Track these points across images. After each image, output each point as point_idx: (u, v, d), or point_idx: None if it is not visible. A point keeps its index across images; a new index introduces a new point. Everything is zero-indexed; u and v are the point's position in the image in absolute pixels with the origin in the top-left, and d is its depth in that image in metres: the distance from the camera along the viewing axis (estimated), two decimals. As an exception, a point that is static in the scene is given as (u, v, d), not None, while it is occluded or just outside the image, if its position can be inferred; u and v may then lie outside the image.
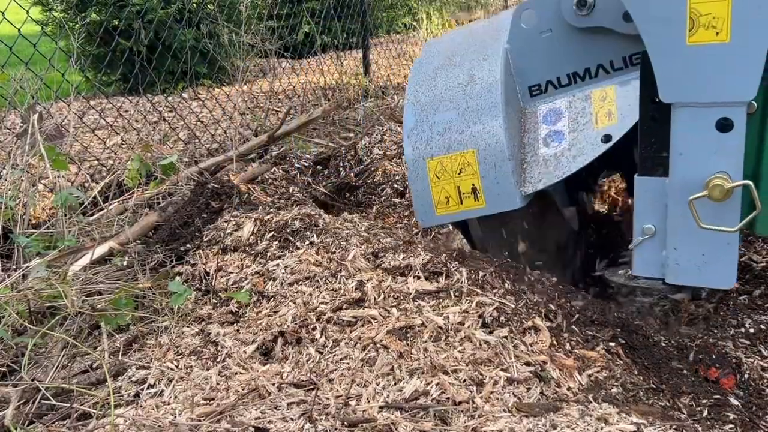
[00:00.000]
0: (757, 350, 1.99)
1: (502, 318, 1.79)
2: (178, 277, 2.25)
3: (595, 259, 2.68)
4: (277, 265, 2.13)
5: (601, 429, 1.42)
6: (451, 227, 2.32)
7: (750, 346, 2.01)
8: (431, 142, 2.17)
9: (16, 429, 1.51)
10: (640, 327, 1.96)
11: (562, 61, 2.14)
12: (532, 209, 2.26)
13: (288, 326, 1.86)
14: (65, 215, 2.56)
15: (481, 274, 1.98)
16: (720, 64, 1.65)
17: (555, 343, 1.76)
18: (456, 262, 2.02)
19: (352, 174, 3.58)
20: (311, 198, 3.15)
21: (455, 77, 2.21)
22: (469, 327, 1.76)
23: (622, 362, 1.76)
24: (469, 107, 2.14)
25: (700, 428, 1.52)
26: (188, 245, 2.43)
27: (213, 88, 5.53)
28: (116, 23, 5.31)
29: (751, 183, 1.70)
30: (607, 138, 2.04)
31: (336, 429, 1.45)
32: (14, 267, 2.32)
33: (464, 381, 1.59)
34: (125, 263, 2.37)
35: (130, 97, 4.90)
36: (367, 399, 1.56)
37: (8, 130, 3.89)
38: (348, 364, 1.70)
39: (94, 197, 2.99)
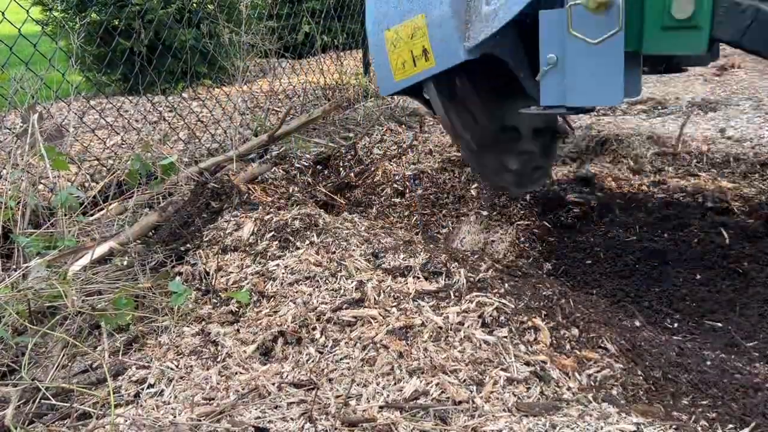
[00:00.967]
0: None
1: (502, 318, 1.79)
2: (178, 277, 2.25)
3: None
4: (277, 265, 2.13)
5: (601, 429, 1.42)
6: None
7: None
8: (388, 15, 2.36)
9: (16, 429, 1.51)
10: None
11: None
12: (489, 74, 2.41)
13: (288, 326, 1.86)
14: (65, 215, 2.56)
15: (480, 274, 1.98)
16: None
17: (555, 343, 1.76)
18: (456, 263, 2.02)
19: (352, 174, 3.58)
20: (311, 198, 3.15)
21: None
22: (468, 327, 1.76)
23: (622, 362, 1.76)
24: None
25: (700, 428, 1.52)
26: (188, 245, 2.43)
27: (213, 88, 5.53)
28: (116, 23, 5.30)
29: (619, 1, 1.80)
30: None
31: (336, 429, 1.45)
32: (14, 267, 2.32)
33: (464, 381, 1.59)
34: (125, 263, 2.37)
35: (130, 97, 4.89)
36: (367, 399, 1.56)
37: (8, 130, 3.89)
38: (348, 364, 1.70)
39: (94, 197, 2.99)
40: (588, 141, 3.87)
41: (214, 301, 2.09)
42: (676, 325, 2.22)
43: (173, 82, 5.37)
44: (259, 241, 2.27)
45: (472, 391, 1.56)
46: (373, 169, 3.61)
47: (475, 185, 3.32)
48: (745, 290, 2.36)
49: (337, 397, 1.58)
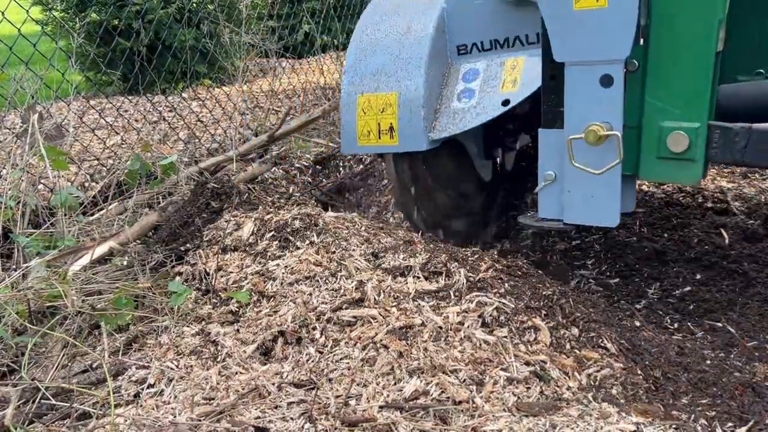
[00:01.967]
0: None
1: (502, 318, 1.79)
2: (178, 277, 2.25)
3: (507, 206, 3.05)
4: (277, 264, 2.13)
5: (601, 429, 1.42)
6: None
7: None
8: (364, 80, 2.42)
9: (16, 429, 1.51)
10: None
11: (488, 28, 2.37)
12: (445, 156, 2.53)
13: (288, 326, 1.86)
14: (65, 215, 2.56)
15: (480, 274, 1.98)
16: (600, 27, 1.86)
17: (555, 342, 1.76)
18: (456, 263, 2.02)
19: (352, 174, 3.58)
20: (311, 198, 3.15)
21: (396, 25, 2.45)
22: (468, 327, 1.76)
23: (622, 362, 1.76)
24: (401, 55, 2.38)
25: (699, 427, 1.52)
26: (188, 245, 2.43)
27: (213, 88, 5.53)
28: (116, 23, 5.30)
29: (618, 134, 1.89)
30: (505, 102, 2.25)
31: (336, 429, 1.45)
32: (14, 267, 2.32)
33: (464, 381, 1.59)
34: (125, 263, 2.37)
35: (130, 97, 4.89)
36: (367, 399, 1.56)
37: (8, 130, 3.89)
38: (348, 363, 1.70)
39: (94, 197, 2.99)
40: None
41: (214, 301, 2.09)
42: (676, 325, 2.22)
43: (173, 82, 5.37)
44: (259, 241, 2.27)
45: (472, 391, 1.56)
46: (373, 169, 3.61)
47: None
48: (745, 290, 2.36)
49: (337, 397, 1.58)
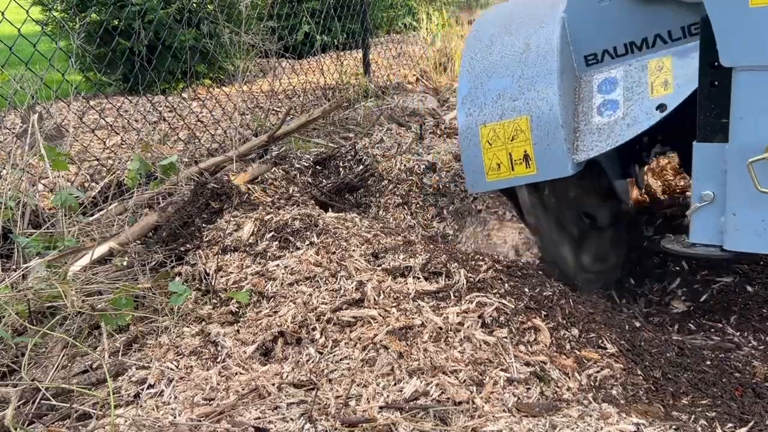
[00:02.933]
0: None
1: (502, 318, 1.79)
2: (178, 277, 2.25)
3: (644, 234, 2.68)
4: (277, 265, 2.13)
5: (601, 429, 1.42)
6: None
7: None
8: (485, 109, 2.18)
9: (16, 429, 1.51)
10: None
11: (619, 31, 2.14)
12: (583, 180, 2.27)
13: (288, 326, 1.86)
14: (65, 215, 2.56)
15: (480, 274, 1.98)
16: None
17: (555, 343, 1.76)
18: (456, 263, 2.02)
19: (351, 174, 3.58)
20: (311, 198, 3.15)
21: (511, 45, 2.23)
22: (468, 327, 1.76)
23: (622, 362, 1.76)
24: (524, 74, 2.15)
25: (699, 428, 1.52)
26: (188, 245, 2.43)
27: (213, 88, 5.53)
28: (116, 23, 5.30)
29: None
30: (662, 107, 2.03)
31: (336, 429, 1.45)
32: (14, 267, 2.32)
33: (464, 381, 1.59)
34: (125, 263, 2.37)
35: (130, 97, 4.89)
36: (367, 399, 1.56)
37: (8, 130, 3.89)
38: (348, 364, 1.70)
39: (94, 197, 2.99)
40: None
41: (214, 301, 2.09)
42: (676, 325, 2.22)
43: (173, 82, 5.36)
44: (259, 241, 2.27)
45: (472, 392, 1.56)
46: (373, 169, 3.60)
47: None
48: (744, 290, 2.36)
49: (337, 397, 1.58)
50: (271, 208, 2.50)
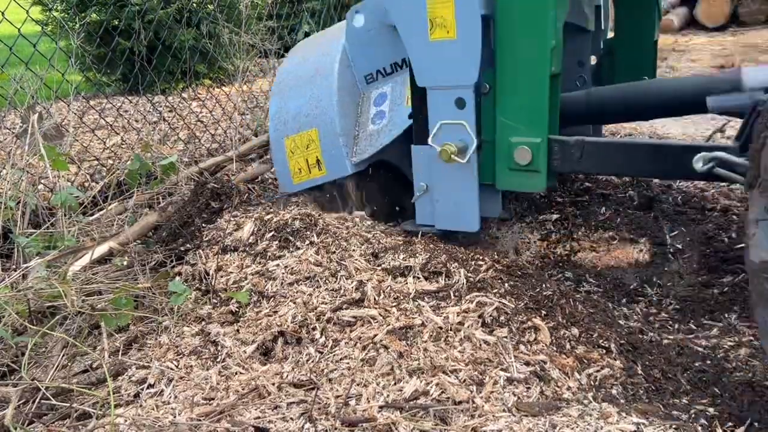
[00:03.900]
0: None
1: (502, 318, 1.79)
2: (178, 277, 2.25)
3: None
4: (277, 265, 2.13)
5: (601, 429, 1.42)
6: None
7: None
8: (288, 124, 2.59)
9: (16, 429, 1.51)
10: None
11: (384, 54, 2.54)
12: (377, 179, 2.63)
13: (288, 326, 1.86)
14: (65, 215, 2.56)
15: (480, 274, 1.98)
16: (452, 56, 2.09)
17: (555, 342, 1.76)
18: (456, 263, 2.02)
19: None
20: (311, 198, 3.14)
21: (305, 71, 2.65)
22: (469, 327, 1.76)
23: (622, 362, 1.76)
24: (313, 95, 2.56)
25: (699, 427, 1.52)
26: (188, 245, 2.43)
27: (213, 88, 5.53)
28: (116, 23, 5.30)
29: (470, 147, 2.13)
30: (410, 115, 2.35)
31: (336, 429, 1.45)
32: (14, 267, 2.32)
33: (464, 381, 1.59)
34: (125, 263, 2.37)
35: (130, 97, 4.89)
36: (367, 399, 1.56)
37: (8, 130, 3.89)
38: (348, 364, 1.70)
39: (94, 197, 2.99)
40: None
41: (214, 301, 2.10)
42: (676, 325, 2.22)
43: (173, 82, 5.36)
44: (259, 241, 2.27)
45: (472, 391, 1.56)
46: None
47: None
48: (744, 290, 2.36)
49: (337, 397, 1.58)
50: (271, 208, 2.51)
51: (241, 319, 1.98)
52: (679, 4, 9.03)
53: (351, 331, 1.81)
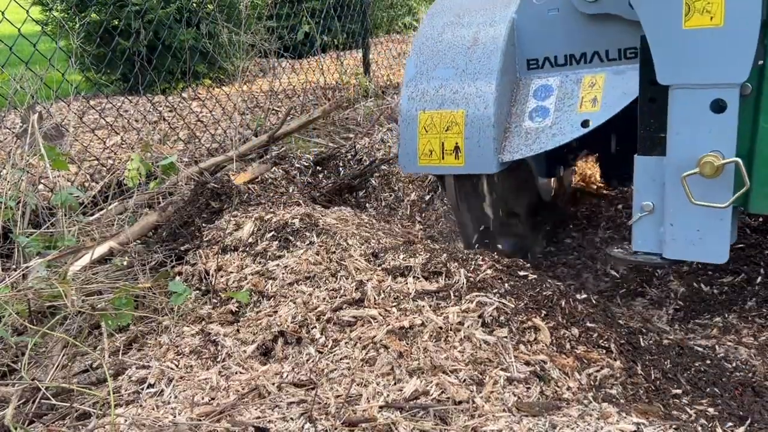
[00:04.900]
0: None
1: (502, 318, 1.79)
2: (178, 277, 2.25)
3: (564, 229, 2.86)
4: (277, 264, 2.13)
5: (601, 429, 1.42)
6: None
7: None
8: (426, 96, 2.25)
9: (16, 429, 1.51)
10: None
11: (562, 42, 2.20)
12: (508, 174, 2.37)
13: (288, 326, 1.86)
14: (65, 215, 2.56)
15: (480, 274, 1.98)
16: (714, 48, 1.71)
17: (555, 342, 1.76)
18: (456, 263, 2.02)
19: (351, 175, 3.58)
20: (311, 199, 3.15)
21: (460, 37, 2.28)
22: (469, 327, 1.76)
23: (622, 362, 1.76)
24: (467, 69, 2.21)
25: (699, 427, 1.52)
26: (188, 245, 2.43)
27: (213, 88, 5.53)
28: (116, 23, 5.30)
29: (739, 160, 1.73)
30: (585, 123, 2.11)
31: (336, 429, 1.45)
32: (14, 267, 2.32)
33: (464, 381, 1.59)
34: (125, 263, 2.37)
35: (130, 97, 4.89)
36: (367, 399, 1.56)
37: (8, 130, 3.89)
38: (348, 363, 1.70)
39: (94, 197, 2.99)
40: None
41: (214, 301, 2.10)
42: (676, 325, 2.22)
43: (173, 82, 5.36)
44: (259, 241, 2.27)
45: (472, 391, 1.56)
46: (373, 170, 3.60)
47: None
48: (745, 289, 2.36)
49: (337, 397, 1.58)
50: (271, 208, 2.51)
51: (241, 319, 1.98)
52: None
53: (351, 331, 1.81)
